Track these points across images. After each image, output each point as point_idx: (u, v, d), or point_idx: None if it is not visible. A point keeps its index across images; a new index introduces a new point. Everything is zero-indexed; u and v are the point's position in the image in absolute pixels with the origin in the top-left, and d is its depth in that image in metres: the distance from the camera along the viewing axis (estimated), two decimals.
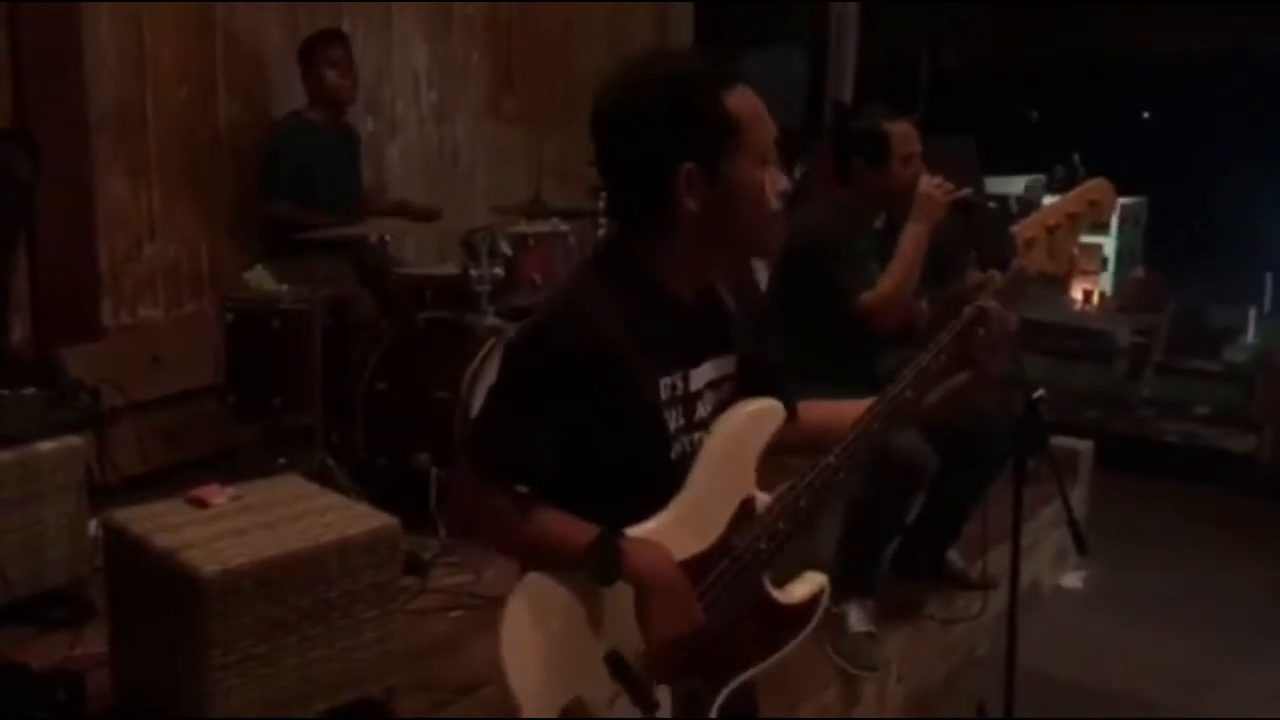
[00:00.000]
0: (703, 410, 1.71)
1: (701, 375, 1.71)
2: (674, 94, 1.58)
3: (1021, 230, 1.89)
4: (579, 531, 1.57)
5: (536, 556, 1.60)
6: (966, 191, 3.09)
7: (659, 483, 1.65)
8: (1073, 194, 1.96)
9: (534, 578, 1.58)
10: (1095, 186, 1.96)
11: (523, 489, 1.58)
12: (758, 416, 1.72)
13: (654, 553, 1.58)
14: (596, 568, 1.55)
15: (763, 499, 1.71)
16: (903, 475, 2.78)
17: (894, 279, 2.99)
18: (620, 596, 1.57)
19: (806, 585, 1.80)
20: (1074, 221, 1.90)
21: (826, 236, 3.06)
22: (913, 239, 3.00)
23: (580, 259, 1.81)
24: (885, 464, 2.75)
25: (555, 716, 1.54)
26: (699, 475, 1.66)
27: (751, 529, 1.68)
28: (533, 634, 1.55)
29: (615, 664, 1.58)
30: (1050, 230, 1.88)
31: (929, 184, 3.03)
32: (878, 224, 3.20)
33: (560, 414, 1.58)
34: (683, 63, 1.65)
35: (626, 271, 1.64)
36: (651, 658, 1.60)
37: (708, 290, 1.74)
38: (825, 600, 1.81)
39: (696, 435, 1.69)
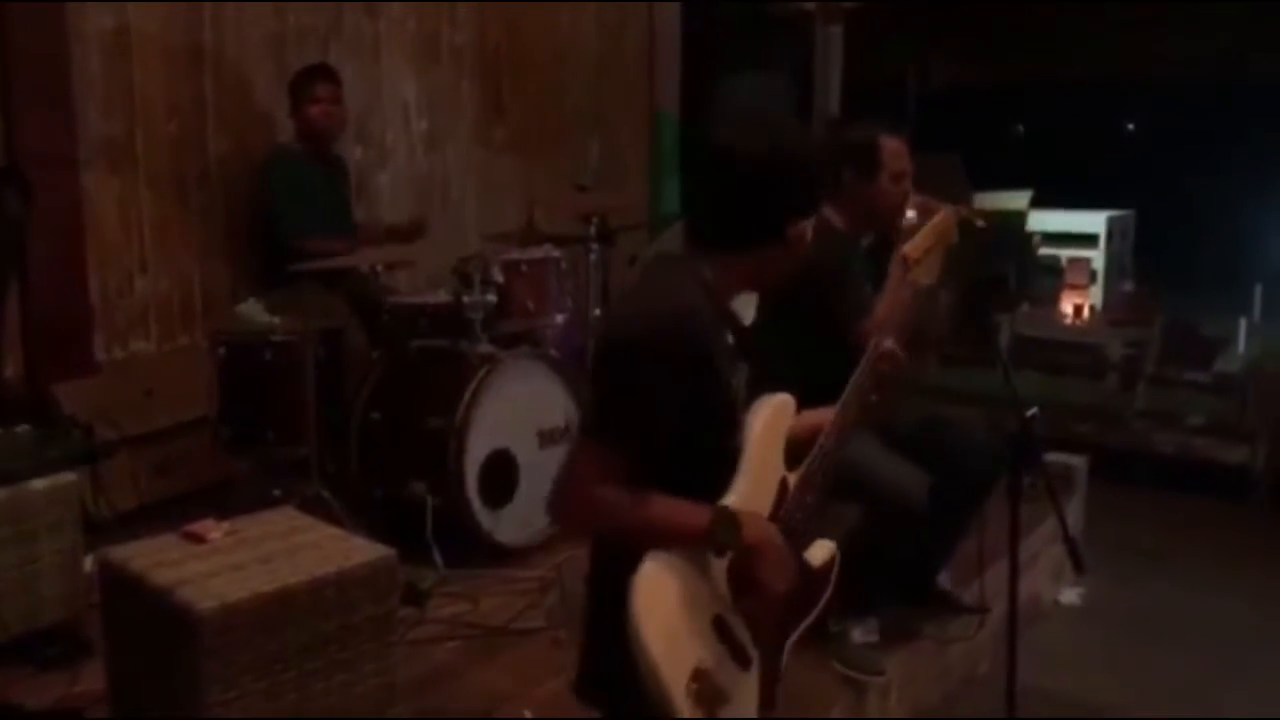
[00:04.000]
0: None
1: (739, 378, 1.96)
2: (811, 157, 1.91)
3: (910, 251, 2.36)
4: (692, 511, 1.80)
5: (654, 538, 1.78)
6: (957, 210, 3.05)
7: (726, 469, 1.89)
8: (930, 225, 2.43)
9: (657, 555, 1.77)
10: (945, 217, 2.48)
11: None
12: (781, 408, 2.00)
13: (761, 521, 1.86)
14: (721, 538, 1.78)
15: (791, 478, 1.97)
16: (895, 505, 2.79)
17: (887, 308, 2.89)
18: (714, 568, 1.83)
19: (821, 550, 2.08)
20: (940, 243, 2.42)
21: (821, 261, 3.04)
22: (899, 275, 2.88)
23: (647, 264, 1.99)
24: (878, 495, 2.77)
25: (683, 682, 1.74)
26: (750, 460, 1.90)
27: (792, 502, 1.95)
28: (660, 605, 1.75)
29: (721, 628, 1.82)
30: (927, 251, 2.37)
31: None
32: (865, 241, 3.18)
33: (672, 405, 1.77)
34: (804, 130, 2.00)
35: (697, 282, 1.86)
36: (756, 616, 1.87)
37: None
38: (838, 563, 2.09)
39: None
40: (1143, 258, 6.85)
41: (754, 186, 1.83)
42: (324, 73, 4.24)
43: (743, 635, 1.87)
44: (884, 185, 3.06)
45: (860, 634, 2.96)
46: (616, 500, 1.76)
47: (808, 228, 1.89)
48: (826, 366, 2.89)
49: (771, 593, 1.85)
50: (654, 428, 1.76)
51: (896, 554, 2.97)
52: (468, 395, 3.46)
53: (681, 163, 1.85)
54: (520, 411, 3.66)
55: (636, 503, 1.77)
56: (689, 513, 1.80)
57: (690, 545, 1.80)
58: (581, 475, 1.78)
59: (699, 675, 1.76)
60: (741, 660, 1.86)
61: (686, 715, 1.73)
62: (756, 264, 1.89)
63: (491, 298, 3.67)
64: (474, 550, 3.47)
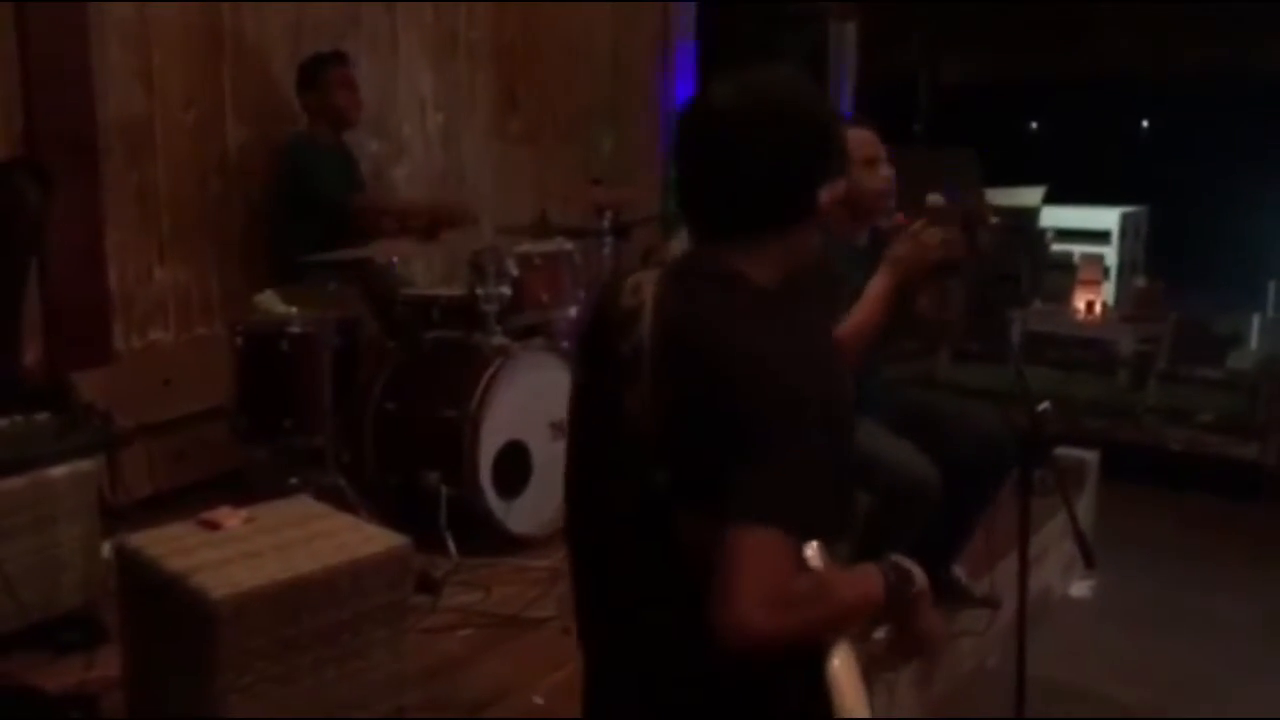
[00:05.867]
0: None
1: None
2: (827, 119, 1.58)
3: None
4: (863, 575, 1.52)
5: (846, 621, 1.47)
6: (961, 206, 3.01)
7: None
8: None
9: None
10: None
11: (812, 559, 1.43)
12: None
13: (915, 565, 1.59)
14: (901, 593, 1.53)
15: None
16: (908, 493, 2.80)
17: (851, 324, 2.75)
18: None
19: None
20: None
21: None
22: (881, 286, 2.77)
23: (674, 279, 1.53)
24: (891, 481, 2.77)
25: None
26: None
27: None
28: (858, 687, 1.47)
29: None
30: None
31: (915, 237, 2.78)
32: (860, 242, 3.14)
33: (844, 458, 1.52)
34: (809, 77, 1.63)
35: (754, 288, 1.55)
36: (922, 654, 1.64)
37: None
38: None
39: None
40: (1156, 254, 6.84)
41: (790, 150, 1.51)
42: (340, 57, 4.27)
43: None
44: (854, 175, 2.88)
45: (878, 629, 2.96)
46: (808, 593, 1.39)
47: (840, 188, 1.58)
48: None
49: (939, 641, 1.61)
50: (833, 491, 1.46)
51: (912, 541, 2.97)
52: (482, 387, 3.49)
53: (685, 143, 1.53)
54: (534, 403, 3.68)
55: (822, 587, 1.41)
56: (862, 578, 1.50)
57: (872, 615, 1.52)
58: (765, 579, 1.35)
59: None
60: None
61: None
62: (790, 245, 1.57)
63: (506, 290, 3.70)
64: (487, 540, 3.49)
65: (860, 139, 3.03)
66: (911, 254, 2.77)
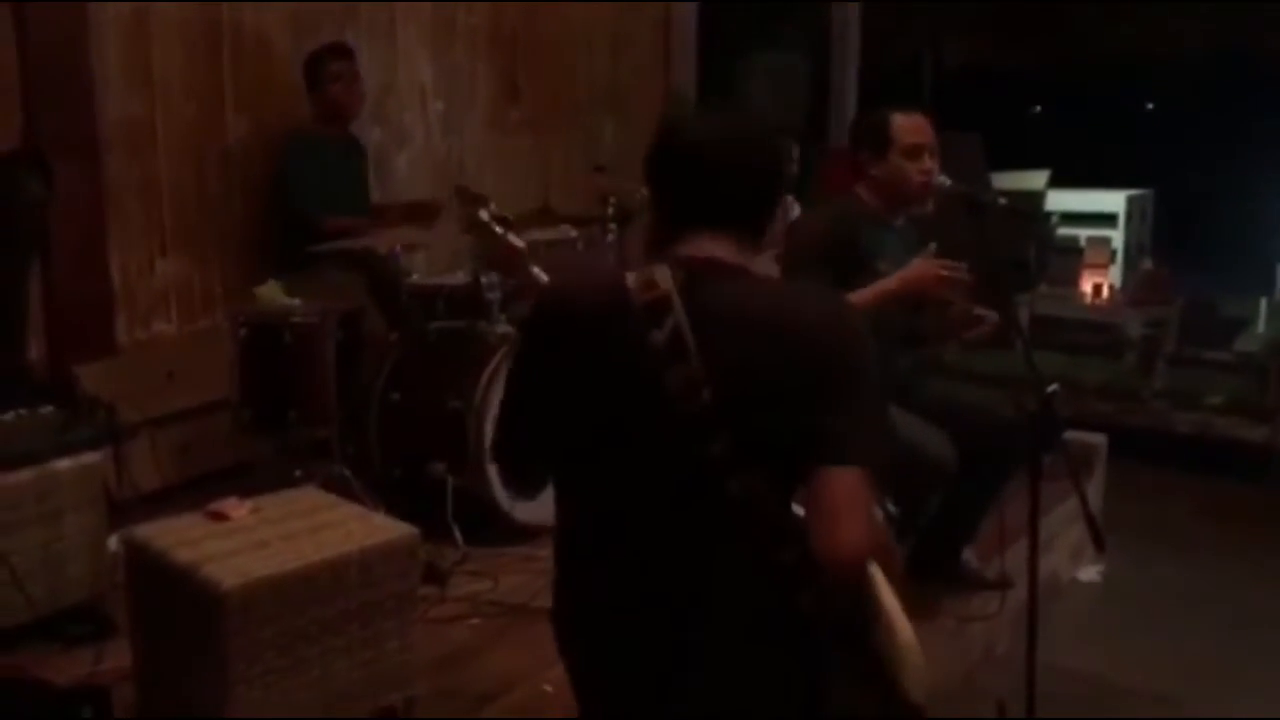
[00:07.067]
0: None
1: None
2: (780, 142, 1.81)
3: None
4: None
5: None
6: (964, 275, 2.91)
7: None
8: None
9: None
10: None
11: None
12: None
13: None
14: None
15: None
16: (926, 474, 2.79)
17: (862, 299, 2.81)
18: None
19: None
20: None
21: (811, 240, 2.98)
22: (886, 288, 2.88)
23: (741, 274, 1.68)
24: (911, 463, 2.75)
25: None
26: None
27: None
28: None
29: None
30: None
31: (931, 265, 2.87)
32: (898, 222, 3.15)
33: None
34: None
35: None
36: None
37: None
38: None
39: None
40: (1162, 237, 6.82)
41: (769, 176, 1.72)
42: (339, 51, 4.25)
43: None
44: (895, 161, 3.03)
45: None
46: (878, 519, 1.64)
47: (785, 222, 1.83)
48: None
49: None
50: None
51: (926, 523, 2.96)
52: (486, 376, 3.47)
53: (680, 169, 1.72)
54: None
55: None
56: None
57: None
58: (866, 510, 1.55)
59: None
60: None
61: None
62: (759, 252, 1.74)
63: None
64: (493, 529, 3.48)
65: (908, 126, 3.03)
66: (927, 271, 2.85)
